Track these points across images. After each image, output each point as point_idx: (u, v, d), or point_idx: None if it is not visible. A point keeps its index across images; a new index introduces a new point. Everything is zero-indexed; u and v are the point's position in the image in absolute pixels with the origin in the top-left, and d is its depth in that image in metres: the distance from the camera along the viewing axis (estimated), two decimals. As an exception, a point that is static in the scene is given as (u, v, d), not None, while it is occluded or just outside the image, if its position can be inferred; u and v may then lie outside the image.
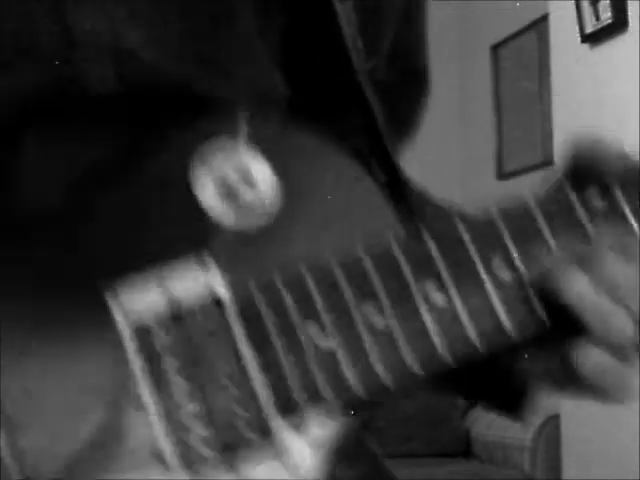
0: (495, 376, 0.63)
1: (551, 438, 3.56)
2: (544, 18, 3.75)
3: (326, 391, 0.52)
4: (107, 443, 0.50)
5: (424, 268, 0.54)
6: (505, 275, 0.55)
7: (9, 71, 0.54)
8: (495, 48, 4.66)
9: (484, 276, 0.55)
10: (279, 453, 0.52)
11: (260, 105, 0.59)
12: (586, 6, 3.06)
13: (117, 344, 0.51)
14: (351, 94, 0.63)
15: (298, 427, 0.52)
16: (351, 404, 0.53)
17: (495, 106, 4.68)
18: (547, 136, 3.83)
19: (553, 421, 3.51)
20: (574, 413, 3.17)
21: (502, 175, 4.60)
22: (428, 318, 0.53)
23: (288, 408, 0.52)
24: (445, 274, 0.54)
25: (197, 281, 0.52)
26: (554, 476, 3.52)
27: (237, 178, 0.54)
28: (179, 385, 0.51)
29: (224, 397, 0.52)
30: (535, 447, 3.67)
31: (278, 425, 0.52)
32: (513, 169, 4.50)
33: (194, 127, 0.55)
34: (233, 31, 0.59)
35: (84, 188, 0.54)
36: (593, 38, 3.07)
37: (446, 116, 4.59)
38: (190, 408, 0.51)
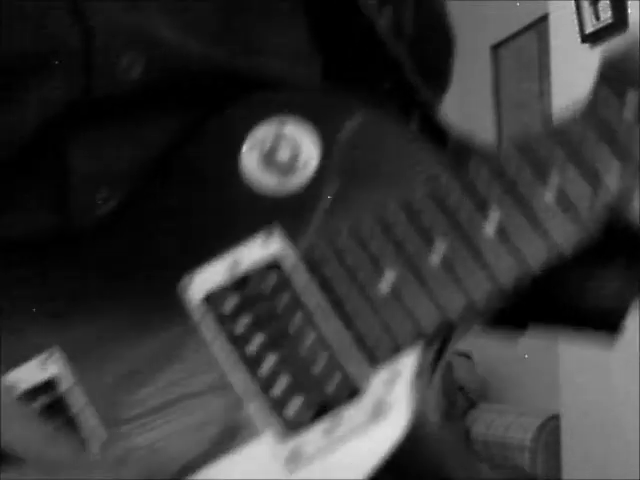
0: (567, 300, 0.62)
1: (551, 438, 3.56)
2: (544, 18, 3.75)
3: (399, 331, 0.52)
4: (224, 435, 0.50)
5: (475, 199, 0.53)
6: (558, 195, 0.54)
7: (38, 76, 0.53)
8: (495, 48, 4.65)
9: (536, 199, 0.54)
10: (368, 405, 0.51)
11: (294, 71, 0.59)
12: (586, 6, 3.06)
13: (188, 315, 0.51)
14: (378, 53, 0.63)
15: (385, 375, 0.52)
16: (423, 341, 0.53)
17: (495, 106, 4.68)
18: (547, 136, 3.82)
19: (553, 421, 3.50)
20: (574, 413, 3.17)
21: (502, 175, 4.60)
22: (485, 248, 0.53)
23: (371, 356, 0.52)
24: (496, 203, 0.53)
25: (259, 248, 0.53)
26: (554, 476, 3.52)
27: (279, 145, 0.54)
28: (255, 342, 0.51)
29: (301, 348, 0.52)
30: (535, 447, 3.66)
31: (362, 374, 0.52)
32: (513, 169, 4.50)
33: (233, 105, 0.54)
34: (256, 1, 0.59)
35: (136, 181, 0.54)
36: (593, 38, 3.07)
37: (446, 116, 4.58)
38: (270, 360, 0.51)
